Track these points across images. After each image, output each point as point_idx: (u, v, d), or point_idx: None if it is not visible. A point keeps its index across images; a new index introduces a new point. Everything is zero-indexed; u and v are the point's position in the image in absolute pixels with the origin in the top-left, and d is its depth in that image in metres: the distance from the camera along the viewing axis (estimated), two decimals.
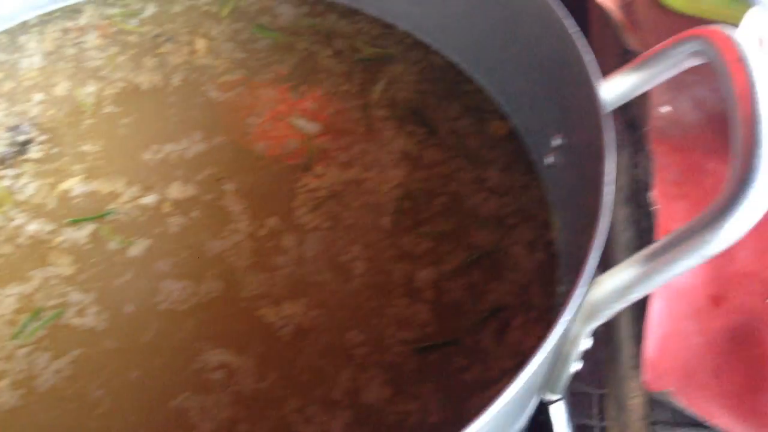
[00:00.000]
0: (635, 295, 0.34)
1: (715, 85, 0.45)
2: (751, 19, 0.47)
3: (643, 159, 0.47)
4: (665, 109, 0.49)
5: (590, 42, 0.60)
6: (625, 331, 0.42)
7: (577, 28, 0.42)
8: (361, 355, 0.42)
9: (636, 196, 0.46)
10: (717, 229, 0.31)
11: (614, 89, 0.41)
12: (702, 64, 0.38)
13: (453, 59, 0.56)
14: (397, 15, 0.57)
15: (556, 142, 0.47)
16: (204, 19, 0.58)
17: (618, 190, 0.47)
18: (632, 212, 0.46)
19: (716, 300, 0.42)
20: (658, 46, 0.39)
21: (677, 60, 0.39)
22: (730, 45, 0.36)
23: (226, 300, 0.44)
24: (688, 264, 0.32)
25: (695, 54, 0.38)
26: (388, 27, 0.58)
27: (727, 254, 0.43)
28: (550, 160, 0.48)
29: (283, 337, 0.43)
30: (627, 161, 0.48)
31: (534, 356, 0.31)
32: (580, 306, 0.36)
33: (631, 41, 0.53)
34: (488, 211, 0.48)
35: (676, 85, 0.49)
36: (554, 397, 0.55)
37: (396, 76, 0.55)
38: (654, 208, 0.44)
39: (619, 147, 0.49)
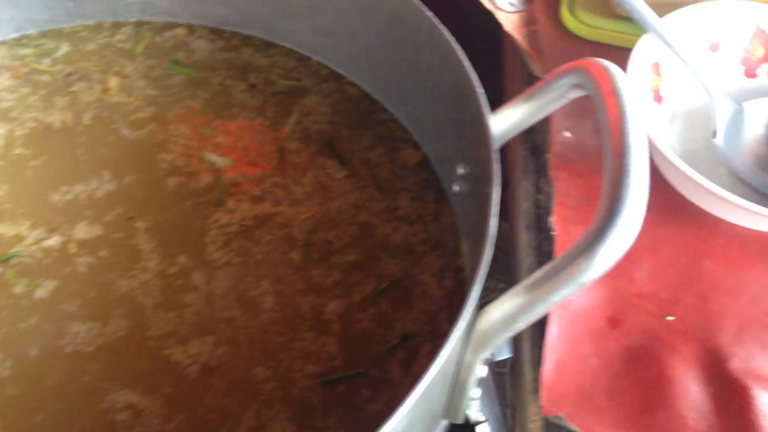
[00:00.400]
0: (521, 324, 0.35)
1: None
2: (644, 45, 0.49)
3: (546, 185, 0.48)
4: (566, 135, 0.50)
5: (503, 69, 0.62)
6: (526, 356, 0.43)
7: (469, 63, 0.43)
8: (267, 391, 0.42)
9: (538, 221, 0.47)
10: (591, 258, 0.32)
11: (505, 121, 0.42)
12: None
13: (366, 89, 0.57)
14: (311, 47, 0.58)
15: (460, 170, 0.48)
16: (118, 56, 0.58)
17: (522, 215, 0.48)
18: (534, 238, 0.47)
19: (614, 322, 0.43)
20: (543, 79, 0.41)
21: (561, 92, 0.40)
22: (606, 77, 0.37)
23: (133, 340, 0.44)
24: (567, 292, 0.33)
25: (576, 86, 0.39)
26: (303, 59, 0.58)
27: (625, 276, 0.45)
28: (456, 188, 0.49)
29: (190, 376, 0.43)
30: (530, 187, 0.49)
31: (415, 388, 0.31)
32: (470, 335, 0.36)
33: (537, 68, 0.55)
34: (398, 240, 0.49)
35: (577, 110, 0.50)
36: (480, 419, 0.56)
37: (309, 108, 0.56)
38: (553, 233, 0.45)
39: (524, 173, 0.50)
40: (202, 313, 0.45)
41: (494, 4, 0.57)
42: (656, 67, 0.50)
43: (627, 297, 0.43)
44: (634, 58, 0.48)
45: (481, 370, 0.38)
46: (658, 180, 0.48)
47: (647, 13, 0.49)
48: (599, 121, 0.36)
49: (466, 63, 0.43)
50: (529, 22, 0.57)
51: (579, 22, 0.56)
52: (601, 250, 0.32)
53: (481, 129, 0.41)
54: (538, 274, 0.34)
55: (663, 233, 0.46)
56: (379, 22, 0.51)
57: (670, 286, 0.44)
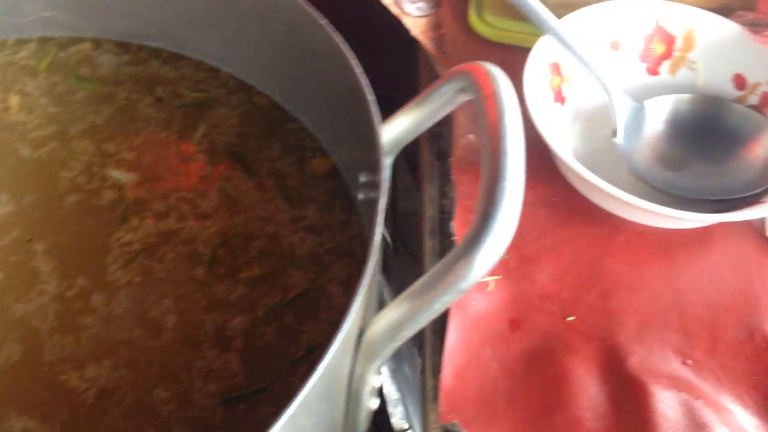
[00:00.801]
0: (407, 333, 0.35)
1: None
2: (542, 46, 0.49)
3: (451, 189, 0.48)
4: (471, 138, 0.50)
5: (419, 74, 0.62)
6: (427, 363, 0.42)
7: (361, 69, 0.43)
8: (166, 414, 0.41)
9: (442, 226, 0.47)
10: (469, 264, 0.32)
11: (397, 128, 0.41)
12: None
13: (275, 99, 0.56)
14: (219, 58, 0.57)
15: (363, 178, 0.47)
16: (21, 74, 0.56)
17: (427, 221, 0.48)
18: (438, 243, 0.47)
19: (515, 325, 0.42)
20: (432, 85, 0.41)
21: (449, 97, 0.40)
22: (487, 80, 0.37)
23: (28, 365, 0.43)
24: (450, 299, 0.33)
25: (462, 91, 0.39)
26: (212, 70, 0.58)
27: (527, 278, 0.45)
28: (361, 196, 0.49)
29: (87, 401, 0.42)
30: (435, 192, 0.49)
31: (290, 405, 0.31)
32: (359, 346, 0.36)
33: (443, 71, 0.54)
34: (305, 251, 0.48)
35: None
36: (404, 426, 0.56)
37: (217, 120, 0.55)
38: (454, 238, 0.45)
39: (429, 178, 0.50)
40: (100, 336, 0.44)
41: (401, 9, 0.57)
42: (556, 67, 0.50)
43: (528, 299, 0.43)
44: (532, 60, 0.48)
45: (376, 381, 0.38)
46: (561, 181, 0.48)
47: (544, 14, 0.49)
48: (480, 124, 0.36)
49: (358, 70, 0.43)
50: (436, 26, 0.57)
51: (486, 24, 0.56)
52: (478, 256, 0.32)
53: (372, 137, 0.41)
54: (419, 282, 0.33)
55: (566, 234, 0.46)
56: (278, 31, 0.51)
57: (571, 287, 0.44)
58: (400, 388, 0.60)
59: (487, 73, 0.37)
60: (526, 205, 0.47)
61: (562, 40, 0.49)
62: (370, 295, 0.38)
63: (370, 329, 0.35)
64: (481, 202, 0.33)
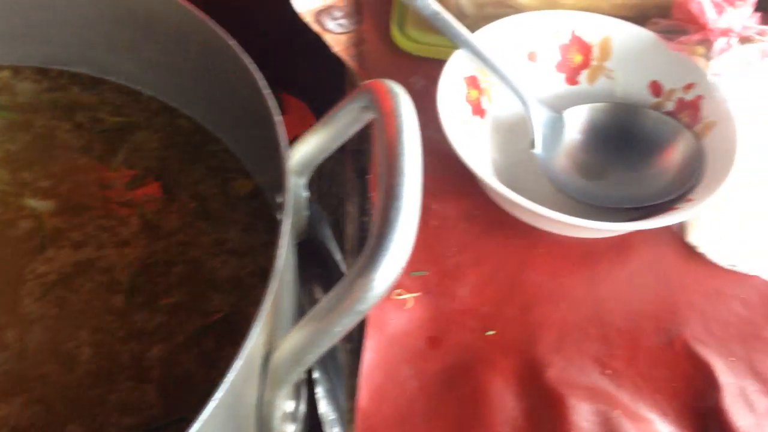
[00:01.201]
0: (311, 358, 0.34)
1: (437, 129, 0.47)
2: (457, 59, 0.49)
3: (371, 207, 0.48)
4: None
5: (346, 89, 0.62)
6: (346, 385, 0.42)
7: (269, 90, 0.42)
8: None
9: (361, 245, 0.47)
10: (365, 285, 0.32)
11: (306, 149, 0.41)
12: None
13: (199, 121, 0.55)
14: (141, 81, 0.57)
15: (279, 199, 0.47)
16: None
17: (348, 239, 0.48)
18: None
19: (434, 341, 0.42)
20: (338, 104, 0.40)
21: (354, 116, 0.39)
22: (387, 98, 0.36)
23: None
24: (349, 321, 0.33)
25: (365, 108, 0.39)
26: (134, 94, 0.57)
27: (447, 294, 0.44)
28: (280, 216, 0.48)
29: None
30: (355, 210, 0.49)
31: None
32: (266, 372, 0.35)
33: None
34: (226, 275, 0.48)
35: None
36: None
37: (139, 144, 0.54)
38: None
39: (350, 196, 0.50)
40: (13, 373, 0.43)
41: (322, 26, 0.57)
42: (473, 80, 0.50)
43: (448, 315, 0.43)
44: (446, 75, 0.48)
45: (289, 405, 0.38)
46: (481, 195, 0.48)
47: (458, 27, 0.49)
48: (378, 143, 0.36)
49: (266, 91, 0.42)
50: (358, 42, 0.57)
51: (408, 39, 0.56)
52: (375, 277, 0.31)
53: (279, 159, 0.40)
54: (319, 306, 0.33)
55: (487, 247, 0.46)
56: (194, 53, 0.50)
57: (492, 300, 0.44)
58: (337, 408, 0.59)
59: (388, 91, 0.37)
60: (447, 219, 0.48)
61: (476, 53, 0.49)
62: (277, 320, 0.37)
63: (275, 354, 0.35)
64: (376, 222, 0.32)
